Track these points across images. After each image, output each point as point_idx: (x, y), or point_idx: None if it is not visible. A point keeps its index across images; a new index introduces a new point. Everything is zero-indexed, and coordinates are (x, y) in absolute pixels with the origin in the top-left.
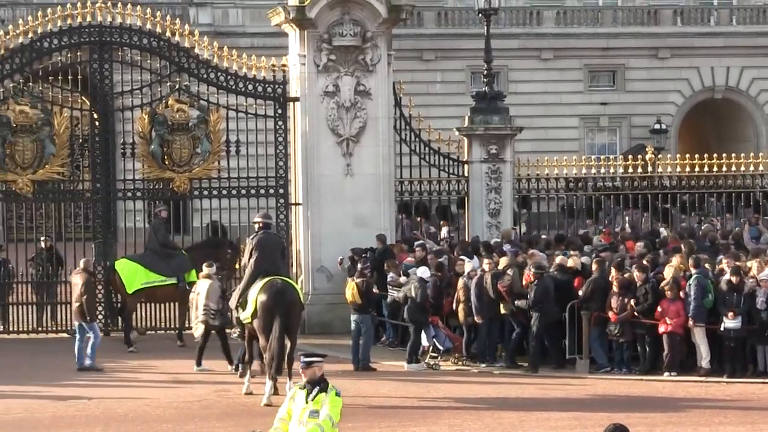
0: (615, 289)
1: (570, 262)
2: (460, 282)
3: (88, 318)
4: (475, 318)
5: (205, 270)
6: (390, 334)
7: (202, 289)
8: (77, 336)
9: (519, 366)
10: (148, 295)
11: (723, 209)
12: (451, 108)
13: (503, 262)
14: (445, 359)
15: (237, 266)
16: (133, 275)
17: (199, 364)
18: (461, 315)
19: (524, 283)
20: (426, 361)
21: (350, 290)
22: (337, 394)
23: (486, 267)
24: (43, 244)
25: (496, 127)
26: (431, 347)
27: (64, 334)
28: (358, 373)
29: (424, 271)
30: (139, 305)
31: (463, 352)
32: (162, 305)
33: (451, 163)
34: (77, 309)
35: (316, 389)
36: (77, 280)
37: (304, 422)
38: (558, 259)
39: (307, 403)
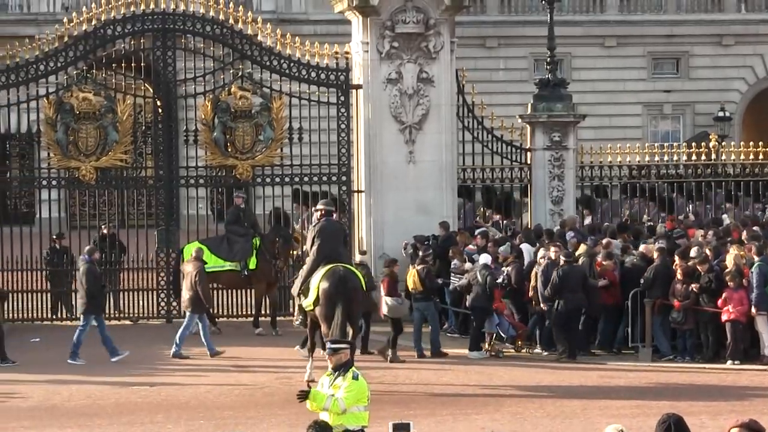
0: (679, 276)
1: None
2: (536, 269)
3: (207, 306)
4: (541, 305)
5: None
6: (452, 321)
7: None
8: (198, 324)
9: (587, 354)
10: (214, 279)
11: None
12: (514, 95)
13: (582, 249)
14: (508, 348)
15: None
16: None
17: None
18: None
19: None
20: (489, 348)
21: (411, 278)
22: (355, 377)
23: (552, 255)
24: (105, 231)
25: (559, 115)
26: (495, 335)
27: (127, 321)
28: (420, 361)
29: (486, 258)
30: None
31: (535, 339)
32: (224, 291)
33: (513, 150)
34: (190, 297)
35: (336, 374)
36: (190, 269)
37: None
38: (642, 248)
39: (329, 389)
